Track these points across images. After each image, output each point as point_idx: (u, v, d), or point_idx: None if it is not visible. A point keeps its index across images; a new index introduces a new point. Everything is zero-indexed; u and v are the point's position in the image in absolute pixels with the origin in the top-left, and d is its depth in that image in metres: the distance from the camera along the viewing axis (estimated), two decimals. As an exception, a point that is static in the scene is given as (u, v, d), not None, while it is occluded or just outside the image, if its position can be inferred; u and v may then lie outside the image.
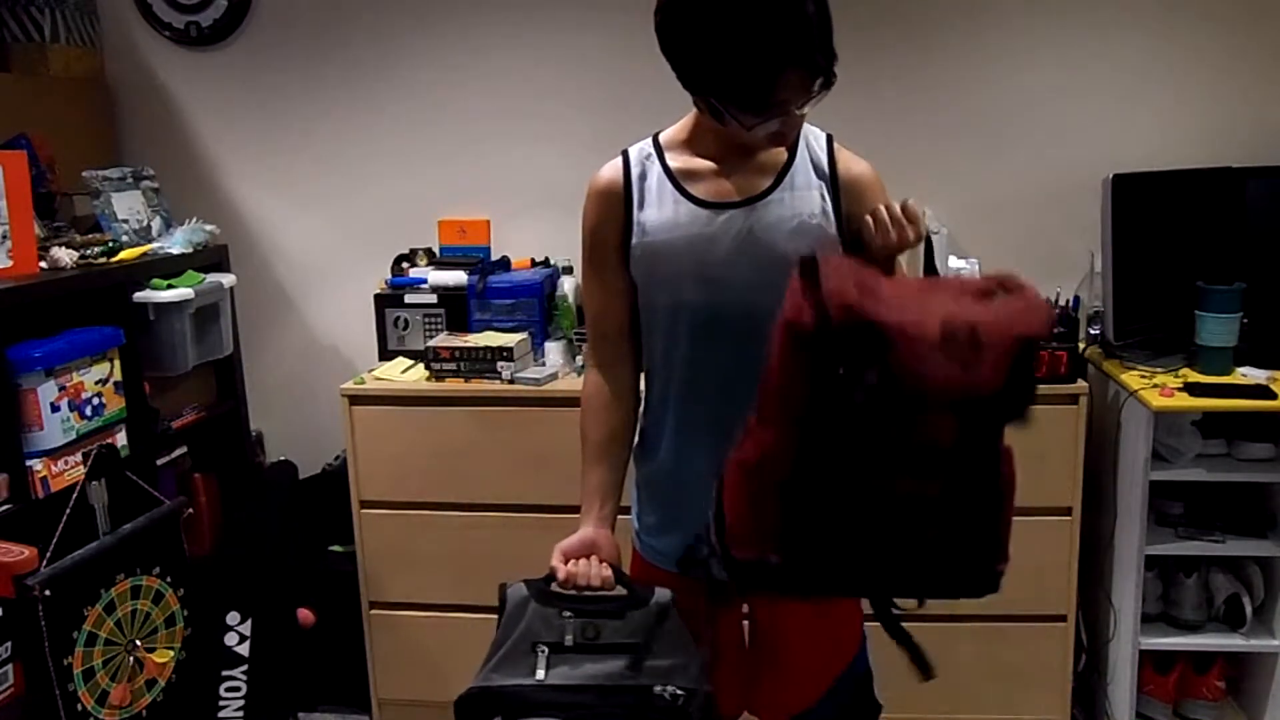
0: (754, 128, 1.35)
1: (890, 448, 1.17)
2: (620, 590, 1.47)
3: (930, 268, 1.51)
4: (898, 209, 1.37)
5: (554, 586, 1.47)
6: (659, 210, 1.49)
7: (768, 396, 1.24)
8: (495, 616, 1.49)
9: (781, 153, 1.49)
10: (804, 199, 1.47)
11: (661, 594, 1.47)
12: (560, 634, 1.43)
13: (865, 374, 1.12)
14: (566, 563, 1.49)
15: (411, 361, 2.74)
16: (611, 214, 1.52)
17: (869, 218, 1.38)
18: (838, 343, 1.13)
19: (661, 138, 1.54)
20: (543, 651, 1.42)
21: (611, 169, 1.54)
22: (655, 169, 1.51)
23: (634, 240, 1.51)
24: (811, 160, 1.49)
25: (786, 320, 1.18)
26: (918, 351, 1.11)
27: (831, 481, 1.18)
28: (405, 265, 2.92)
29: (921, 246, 2.68)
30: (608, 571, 1.47)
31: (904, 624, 1.38)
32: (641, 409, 1.63)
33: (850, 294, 1.13)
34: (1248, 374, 2.36)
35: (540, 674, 1.41)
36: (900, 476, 1.18)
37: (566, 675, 1.41)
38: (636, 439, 1.63)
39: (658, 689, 1.39)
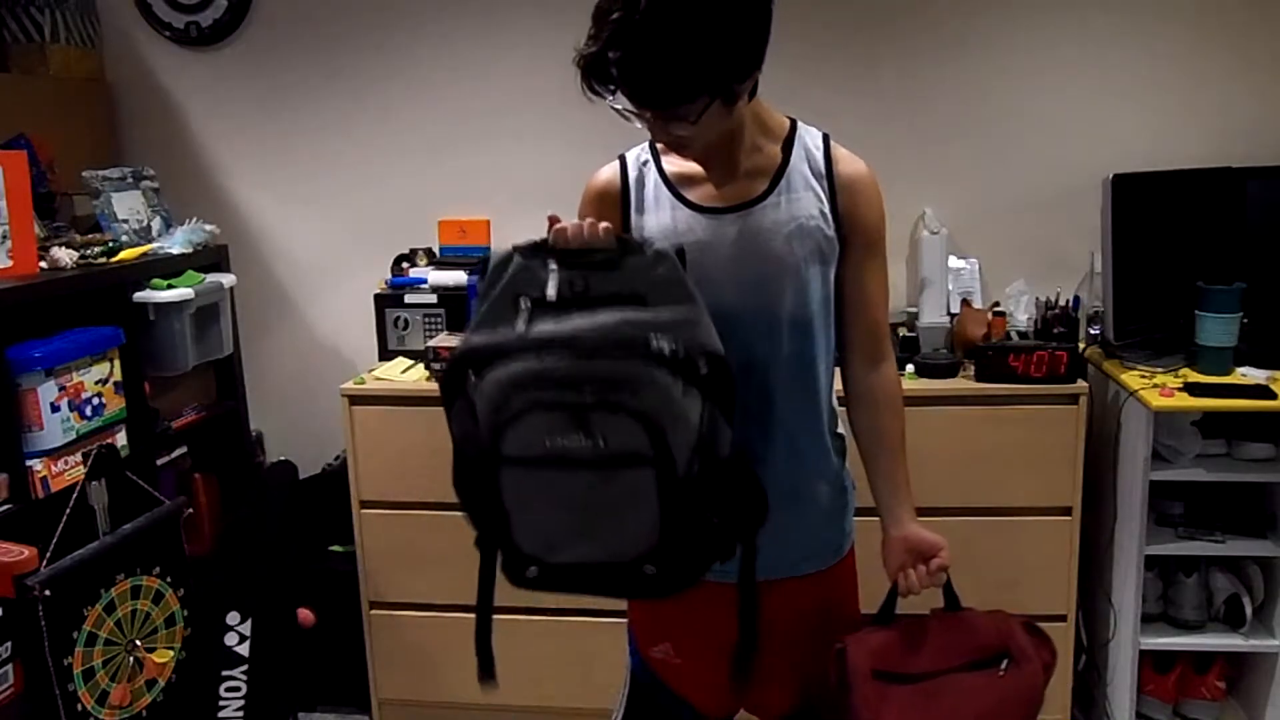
0: (633, 121, 1.37)
1: None
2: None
3: (951, 601, 1.61)
4: (924, 572, 1.52)
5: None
6: (656, 216, 1.49)
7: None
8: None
9: (776, 155, 1.49)
10: (801, 201, 1.47)
11: (663, 243, 1.32)
12: (543, 286, 1.27)
13: None
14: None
15: (411, 361, 2.74)
16: (608, 218, 1.52)
17: (901, 576, 1.53)
18: None
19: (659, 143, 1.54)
20: (524, 306, 1.26)
21: (609, 172, 1.54)
22: (652, 174, 1.51)
23: None
24: (808, 161, 1.49)
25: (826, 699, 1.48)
26: None
27: None
28: (405, 265, 2.92)
29: (922, 250, 2.69)
30: (607, 225, 1.30)
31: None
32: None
33: (865, 707, 1.45)
34: (1248, 374, 2.36)
35: (522, 328, 1.24)
36: None
37: (550, 330, 1.23)
38: None
39: (654, 342, 1.21)
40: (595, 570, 1.30)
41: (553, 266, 1.27)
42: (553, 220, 1.32)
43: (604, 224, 1.31)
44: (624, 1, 1.27)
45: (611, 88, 1.32)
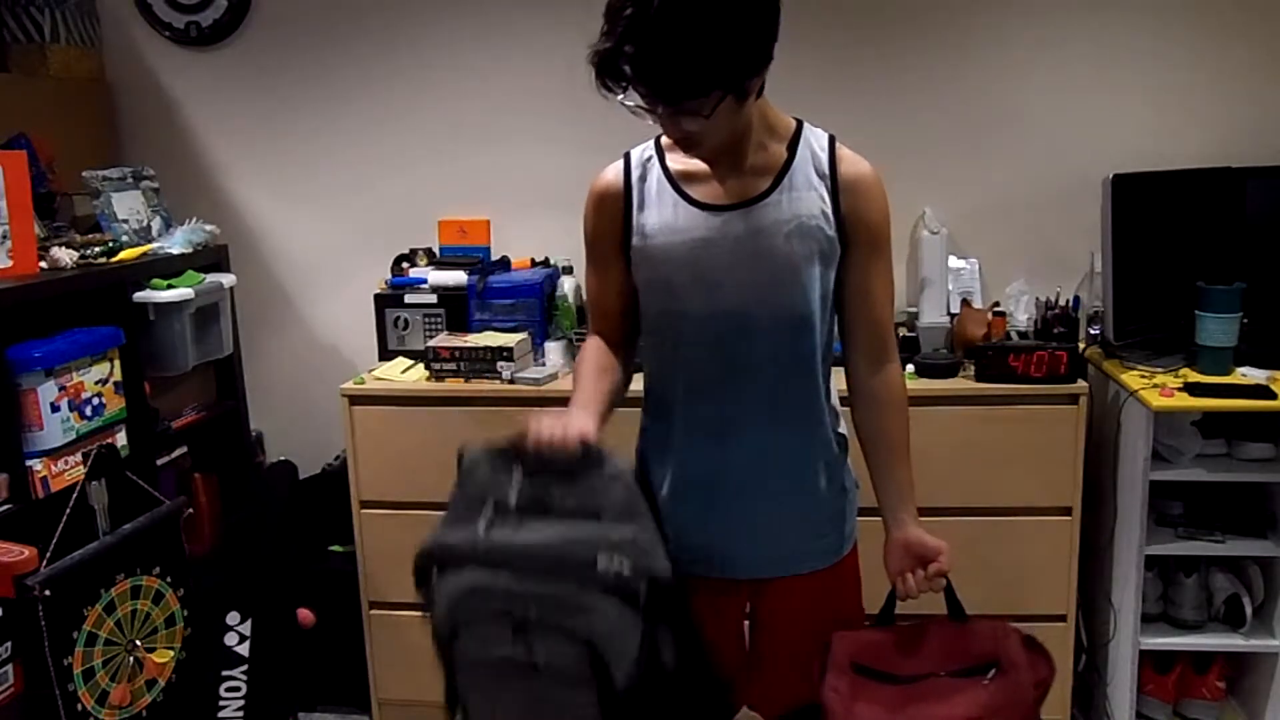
0: (643, 115, 1.38)
1: None
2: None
3: (954, 608, 1.61)
4: (923, 576, 1.52)
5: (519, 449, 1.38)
6: (659, 213, 1.49)
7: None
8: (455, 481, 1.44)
9: (781, 154, 1.49)
10: (803, 200, 1.47)
11: (620, 460, 1.38)
12: (505, 492, 1.35)
13: None
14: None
15: (411, 361, 2.74)
16: (611, 216, 1.52)
17: (900, 579, 1.53)
18: None
19: (663, 139, 1.54)
20: (487, 510, 1.35)
21: (613, 171, 1.55)
22: (655, 171, 1.51)
23: (634, 243, 1.51)
24: (812, 161, 1.50)
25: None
26: None
27: None
28: (405, 265, 2.92)
29: (922, 250, 2.69)
30: (574, 432, 1.36)
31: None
32: (642, 411, 1.64)
33: (836, 701, 1.44)
34: (1248, 374, 2.36)
35: (481, 530, 1.33)
36: None
37: (508, 536, 1.32)
38: (639, 443, 1.63)
39: (602, 561, 1.28)
40: None
41: (517, 475, 1.36)
42: (535, 422, 1.39)
43: (577, 429, 1.36)
44: None
45: (624, 84, 1.33)
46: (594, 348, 1.60)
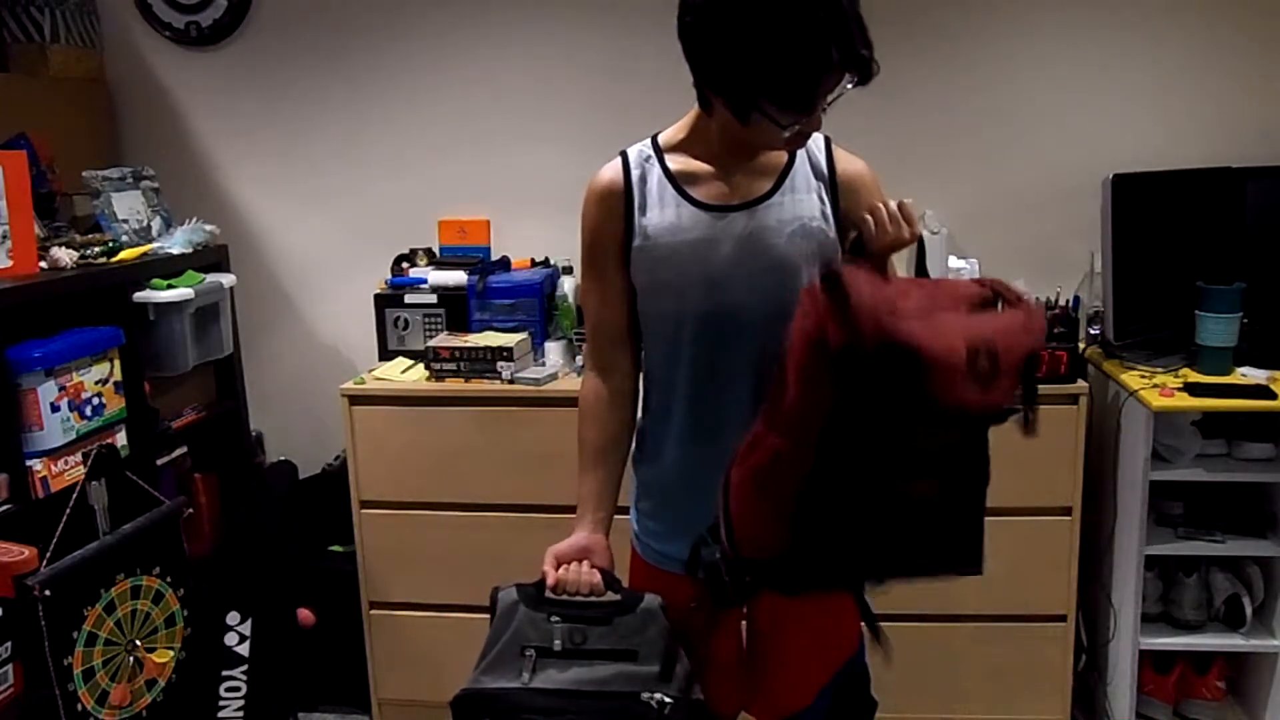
0: (787, 126, 1.34)
1: (903, 456, 1.20)
2: (611, 595, 1.49)
3: (921, 268, 1.50)
4: (894, 206, 1.37)
5: (546, 592, 1.49)
6: (660, 213, 1.49)
7: (783, 409, 1.24)
8: (489, 621, 1.50)
9: (781, 155, 1.49)
10: (804, 201, 1.47)
11: (650, 600, 1.48)
12: (548, 638, 1.46)
13: (898, 395, 1.12)
14: (559, 567, 1.51)
15: (411, 361, 2.74)
16: (612, 216, 1.52)
17: (867, 215, 1.37)
18: (870, 365, 1.11)
19: (660, 139, 1.54)
20: (530, 655, 1.45)
21: (611, 171, 1.54)
22: (655, 171, 1.51)
23: (635, 243, 1.50)
24: (810, 162, 1.50)
25: (811, 337, 1.17)
26: (951, 377, 1.12)
27: (847, 489, 1.20)
28: (405, 265, 2.92)
29: (914, 246, 2.68)
30: (597, 578, 1.49)
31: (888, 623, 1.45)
32: (641, 411, 1.63)
33: (883, 316, 1.12)
34: (1248, 374, 2.36)
35: (526, 677, 1.44)
36: (910, 480, 1.22)
37: (553, 679, 1.44)
38: (636, 442, 1.63)
39: (644, 695, 1.42)
40: None
41: (556, 620, 1.47)
42: (554, 562, 1.51)
43: (596, 572, 1.49)
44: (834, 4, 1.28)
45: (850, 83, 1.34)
46: (593, 404, 1.59)
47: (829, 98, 1.34)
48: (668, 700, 1.42)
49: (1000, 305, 1.27)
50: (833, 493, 1.20)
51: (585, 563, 1.51)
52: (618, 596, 1.49)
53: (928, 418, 1.16)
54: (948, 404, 1.13)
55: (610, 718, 1.42)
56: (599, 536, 1.55)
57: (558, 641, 1.46)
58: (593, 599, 1.49)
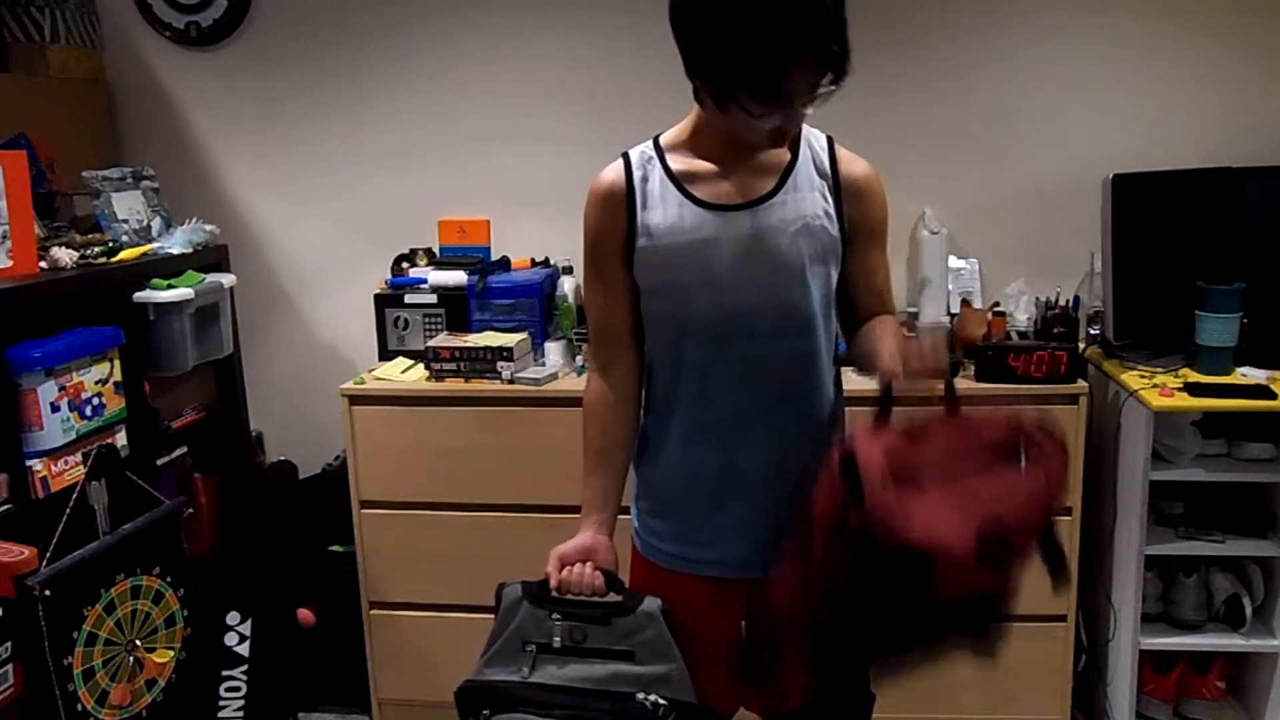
0: (760, 117, 1.35)
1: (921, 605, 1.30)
2: (613, 596, 1.51)
3: (950, 391, 1.45)
4: (928, 351, 1.37)
5: (550, 592, 1.51)
6: (663, 213, 1.49)
7: (808, 560, 1.37)
8: (494, 616, 1.53)
9: (784, 154, 1.49)
10: (807, 200, 1.47)
11: (650, 603, 1.49)
12: (548, 635, 1.49)
13: (909, 583, 1.25)
14: (562, 568, 1.52)
15: (411, 361, 2.74)
16: (615, 217, 1.52)
17: (900, 363, 1.37)
18: (884, 559, 1.25)
19: (662, 140, 1.54)
20: (530, 651, 1.49)
21: (613, 171, 1.54)
22: (657, 171, 1.51)
23: (638, 243, 1.50)
24: (813, 161, 1.50)
25: (831, 518, 1.32)
26: (955, 571, 1.24)
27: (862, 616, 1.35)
28: (405, 265, 2.92)
29: (922, 250, 2.69)
30: (599, 580, 1.51)
31: None
32: (644, 410, 1.63)
33: (896, 520, 1.23)
34: (1248, 374, 2.36)
35: (525, 671, 1.47)
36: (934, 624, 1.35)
37: (551, 675, 1.47)
38: (639, 440, 1.63)
39: (639, 696, 1.44)
40: None
41: (556, 618, 1.50)
42: (558, 563, 1.53)
43: (598, 576, 1.51)
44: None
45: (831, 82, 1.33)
46: (596, 406, 1.59)
47: (807, 95, 1.34)
48: (662, 702, 1.44)
49: (1025, 457, 1.32)
50: (852, 614, 1.35)
51: (589, 564, 1.52)
52: (619, 598, 1.51)
53: (934, 600, 1.27)
54: (949, 592, 1.25)
55: (604, 716, 1.44)
56: (603, 538, 1.56)
57: (557, 639, 1.49)
58: (594, 599, 1.51)
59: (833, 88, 1.35)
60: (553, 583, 1.51)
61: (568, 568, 1.52)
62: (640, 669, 1.46)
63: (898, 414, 1.38)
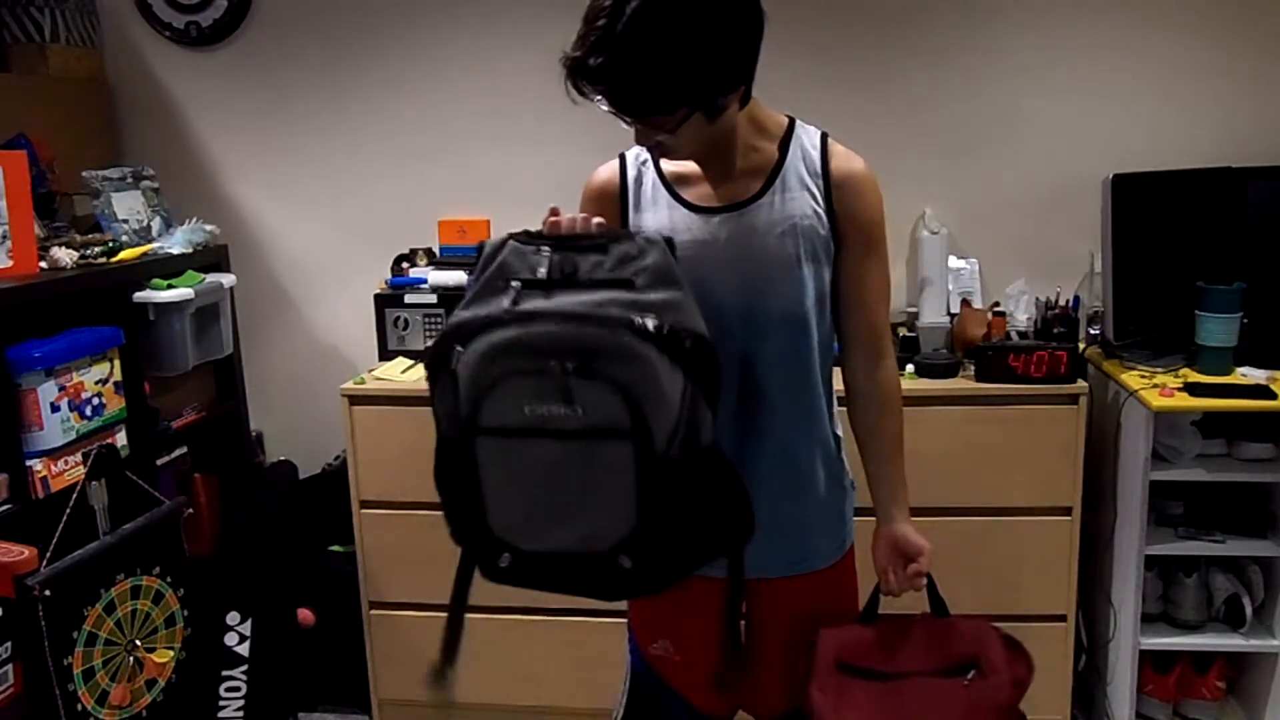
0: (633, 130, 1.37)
1: None
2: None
3: (934, 597, 1.63)
4: (909, 574, 1.53)
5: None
6: (654, 215, 1.49)
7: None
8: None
9: (772, 154, 1.49)
10: (795, 201, 1.47)
11: (653, 231, 1.36)
12: (534, 267, 1.29)
13: None
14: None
15: (411, 361, 2.74)
16: (607, 216, 1.52)
17: (883, 575, 1.56)
18: None
19: None
20: (515, 286, 1.27)
21: (608, 170, 1.55)
22: (650, 172, 1.51)
23: None
24: (803, 160, 1.49)
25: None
26: None
27: None
28: (405, 265, 2.92)
29: (922, 250, 2.69)
30: (600, 219, 1.34)
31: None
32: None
33: (823, 699, 1.48)
34: (1248, 374, 2.36)
35: (506, 304, 1.25)
36: None
37: (538, 305, 1.25)
38: None
39: (639, 320, 1.21)
40: (570, 562, 1.29)
41: (544, 250, 1.29)
42: (554, 211, 1.35)
43: (598, 219, 1.34)
44: (610, 10, 1.26)
45: (593, 93, 1.31)
46: None
47: (623, 117, 1.34)
48: (665, 325, 1.21)
49: (972, 675, 1.47)
50: None
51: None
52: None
53: None
54: None
55: (596, 330, 1.21)
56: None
57: (544, 270, 1.28)
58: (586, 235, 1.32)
59: (696, 117, 1.33)
60: (546, 220, 1.33)
61: (559, 216, 1.35)
62: (640, 295, 1.25)
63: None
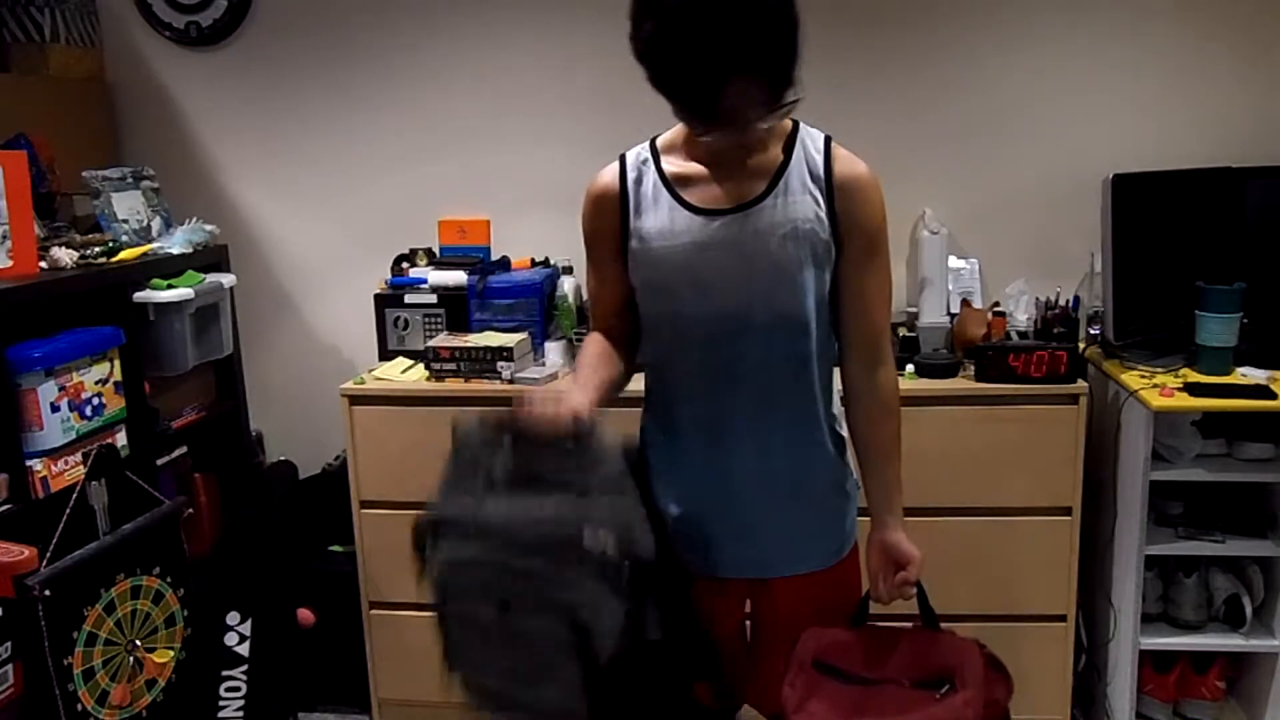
0: (703, 135, 1.37)
1: None
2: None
3: (925, 609, 1.63)
4: (898, 584, 1.55)
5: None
6: (655, 217, 1.49)
7: None
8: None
9: (776, 156, 1.49)
10: (797, 204, 1.47)
11: (614, 437, 1.40)
12: (496, 462, 1.39)
13: None
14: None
15: (411, 361, 2.74)
16: (608, 220, 1.52)
17: (874, 582, 1.58)
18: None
19: (659, 141, 1.54)
20: (480, 478, 1.39)
21: (608, 174, 1.54)
22: (651, 174, 1.51)
23: (631, 245, 1.51)
24: (807, 163, 1.49)
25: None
26: None
27: None
28: (405, 265, 2.92)
29: (922, 250, 2.68)
30: (567, 407, 1.39)
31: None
32: (643, 411, 1.64)
33: (790, 694, 1.49)
34: (1248, 374, 2.36)
35: (473, 502, 1.38)
36: None
37: (498, 509, 1.37)
38: (640, 438, 1.63)
39: (588, 534, 1.31)
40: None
41: (507, 444, 1.39)
42: (527, 398, 1.41)
43: (570, 405, 1.39)
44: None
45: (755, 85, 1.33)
46: (595, 340, 1.60)
47: (756, 109, 1.34)
48: (610, 543, 1.31)
49: (945, 690, 1.48)
50: None
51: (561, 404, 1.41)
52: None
53: None
54: None
55: (545, 552, 1.33)
56: (583, 392, 1.46)
57: (507, 467, 1.38)
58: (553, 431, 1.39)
59: (787, 105, 1.34)
60: (516, 404, 1.39)
61: (532, 401, 1.40)
62: (591, 505, 1.34)
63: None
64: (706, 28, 1.26)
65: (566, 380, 2.51)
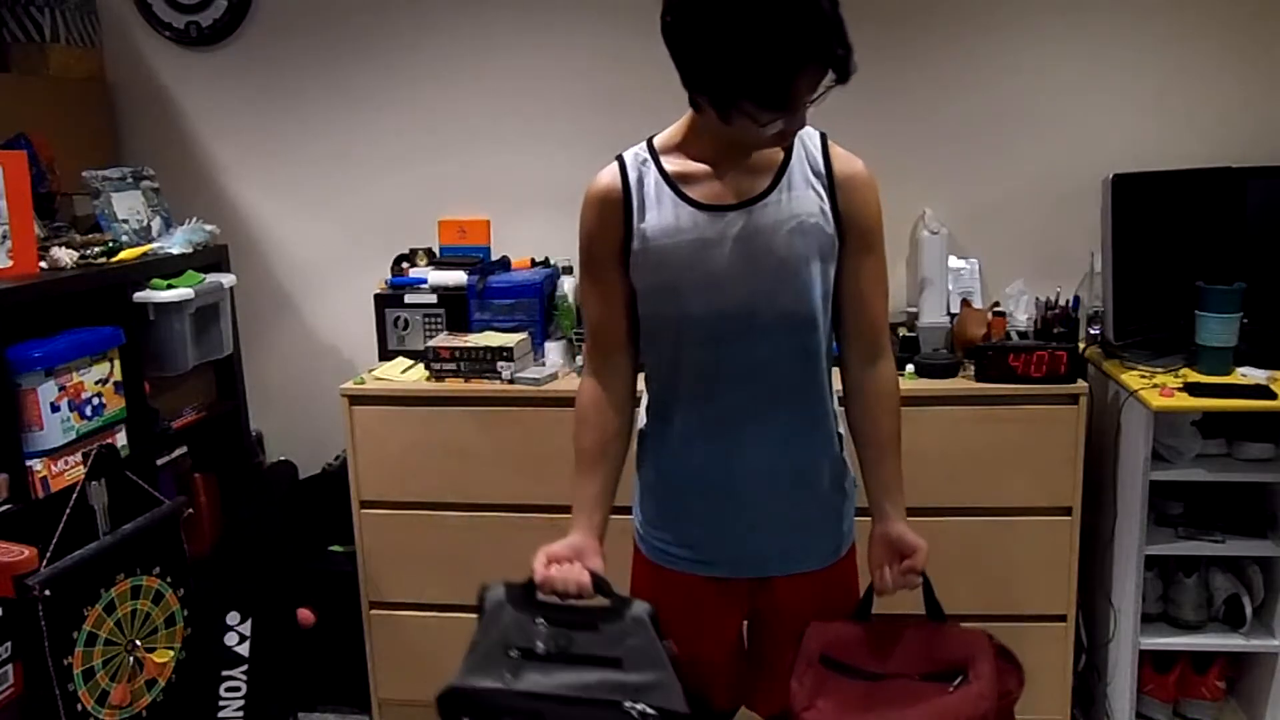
0: (768, 124, 1.35)
1: None
2: (600, 600, 1.46)
3: (930, 602, 1.61)
4: (903, 571, 1.53)
5: (536, 591, 1.47)
6: (659, 215, 1.49)
7: None
8: (477, 619, 1.49)
9: (778, 153, 1.49)
10: (801, 199, 1.47)
11: (639, 607, 1.45)
12: (532, 641, 1.44)
13: None
14: (549, 566, 1.48)
15: (411, 361, 2.74)
16: (611, 221, 1.52)
17: (877, 573, 1.55)
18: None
19: (656, 141, 1.54)
20: (514, 656, 1.44)
21: (608, 175, 1.53)
22: (652, 173, 1.51)
23: (635, 246, 1.50)
24: (807, 159, 1.50)
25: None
26: None
27: None
28: (405, 265, 2.92)
29: (922, 250, 2.68)
30: (585, 577, 1.46)
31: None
32: (643, 413, 1.63)
33: (799, 689, 1.48)
34: (1248, 374, 2.36)
35: (509, 678, 1.43)
36: None
37: (536, 683, 1.42)
38: (638, 443, 1.63)
39: (627, 704, 1.39)
40: None
41: (540, 623, 1.44)
42: (543, 562, 1.47)
43: (585, 575, 1.46)
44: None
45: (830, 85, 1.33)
46: (589, 408, 1.58)
47: (811, 96, 1.34)
48: (650, 711, 1.39)
49: (958, 682, 1.46)
50: None
51: (577, 563, 1.48)
52: (606, 601, 1.46)
53: None
54: None
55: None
56: (592, 540, 1.52)
57: (541, 645, 1.44)
58: (580, 602, 1.46)
59: (830, 86, 1.35)
60: (538, 577, 1.46)
61: (554, 565, 1.47)
62: (628, 676, 1.41)
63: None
64: (785, 17, 1.26)
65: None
